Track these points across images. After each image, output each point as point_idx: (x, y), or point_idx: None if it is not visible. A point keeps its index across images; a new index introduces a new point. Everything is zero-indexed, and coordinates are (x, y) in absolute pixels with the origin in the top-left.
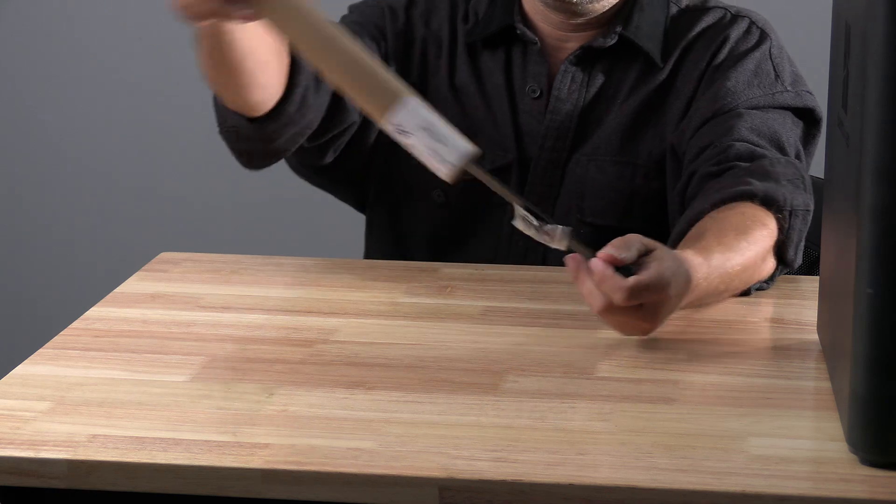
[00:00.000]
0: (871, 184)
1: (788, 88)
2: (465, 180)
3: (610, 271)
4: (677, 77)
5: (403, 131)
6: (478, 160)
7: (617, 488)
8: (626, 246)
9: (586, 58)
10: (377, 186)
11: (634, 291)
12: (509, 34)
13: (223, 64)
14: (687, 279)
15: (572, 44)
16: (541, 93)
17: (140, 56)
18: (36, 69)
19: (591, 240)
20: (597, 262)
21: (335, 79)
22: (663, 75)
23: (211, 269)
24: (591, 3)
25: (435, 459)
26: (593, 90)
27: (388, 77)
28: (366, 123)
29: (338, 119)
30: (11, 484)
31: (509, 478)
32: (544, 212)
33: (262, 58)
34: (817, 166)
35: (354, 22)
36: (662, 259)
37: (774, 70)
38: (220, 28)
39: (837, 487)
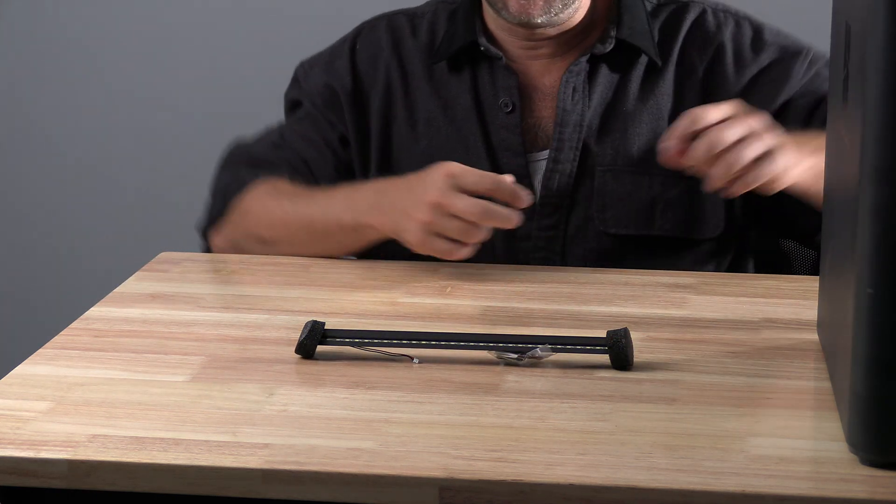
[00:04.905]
0: (871, 184)
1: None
2: None
3: None
4: (678, 82)
5: None
6: None
7: (617, 488)
8: None
9: (587, 66)
10: None
11: None
12: (473, 52)
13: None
14: None
15: (542, 59)
16: (513, 107)
17: (140, 57)
18: (36, 69)
19: (614, 249)
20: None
21: None
22: (663, 79)
23: (211, 269)
24: (552, 25)
25: (435, 459)
26: (597, 97)
27: None
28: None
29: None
30: (11, 484)
31: (509, 478)
32: (515, 343)
33: None
34: None
35: (306, 116)
36: None
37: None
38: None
39: (837, 487)
